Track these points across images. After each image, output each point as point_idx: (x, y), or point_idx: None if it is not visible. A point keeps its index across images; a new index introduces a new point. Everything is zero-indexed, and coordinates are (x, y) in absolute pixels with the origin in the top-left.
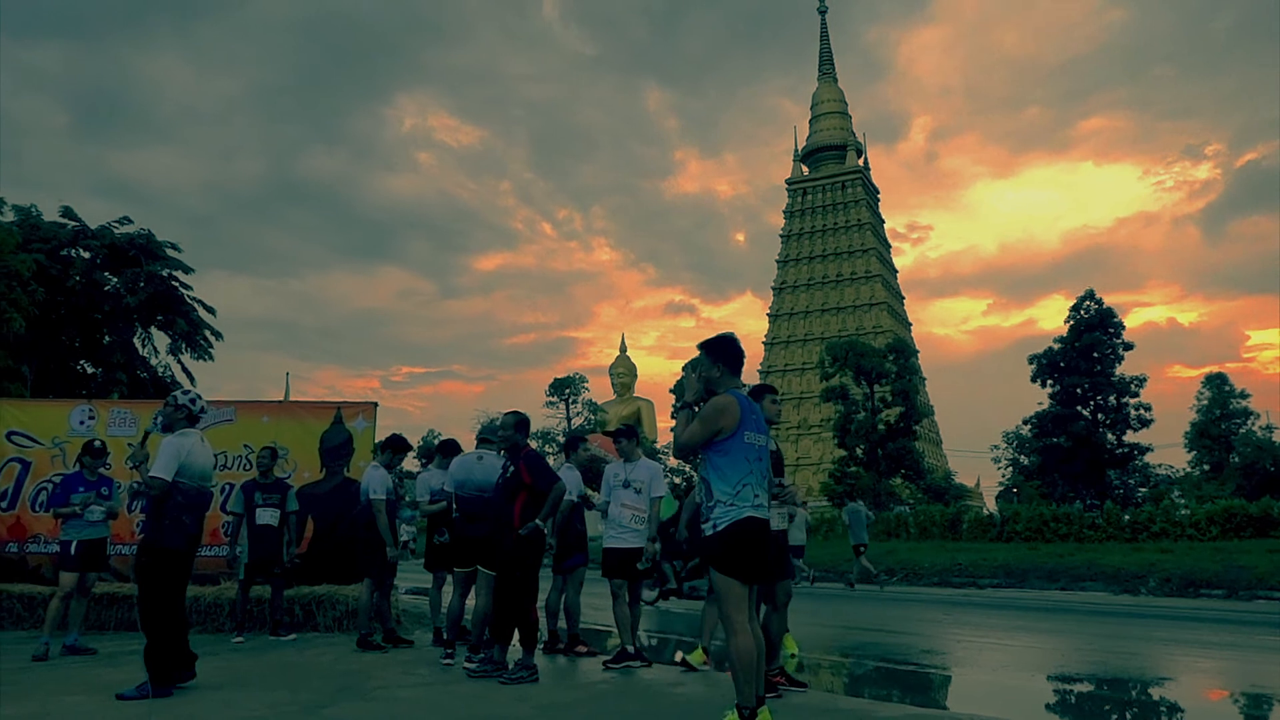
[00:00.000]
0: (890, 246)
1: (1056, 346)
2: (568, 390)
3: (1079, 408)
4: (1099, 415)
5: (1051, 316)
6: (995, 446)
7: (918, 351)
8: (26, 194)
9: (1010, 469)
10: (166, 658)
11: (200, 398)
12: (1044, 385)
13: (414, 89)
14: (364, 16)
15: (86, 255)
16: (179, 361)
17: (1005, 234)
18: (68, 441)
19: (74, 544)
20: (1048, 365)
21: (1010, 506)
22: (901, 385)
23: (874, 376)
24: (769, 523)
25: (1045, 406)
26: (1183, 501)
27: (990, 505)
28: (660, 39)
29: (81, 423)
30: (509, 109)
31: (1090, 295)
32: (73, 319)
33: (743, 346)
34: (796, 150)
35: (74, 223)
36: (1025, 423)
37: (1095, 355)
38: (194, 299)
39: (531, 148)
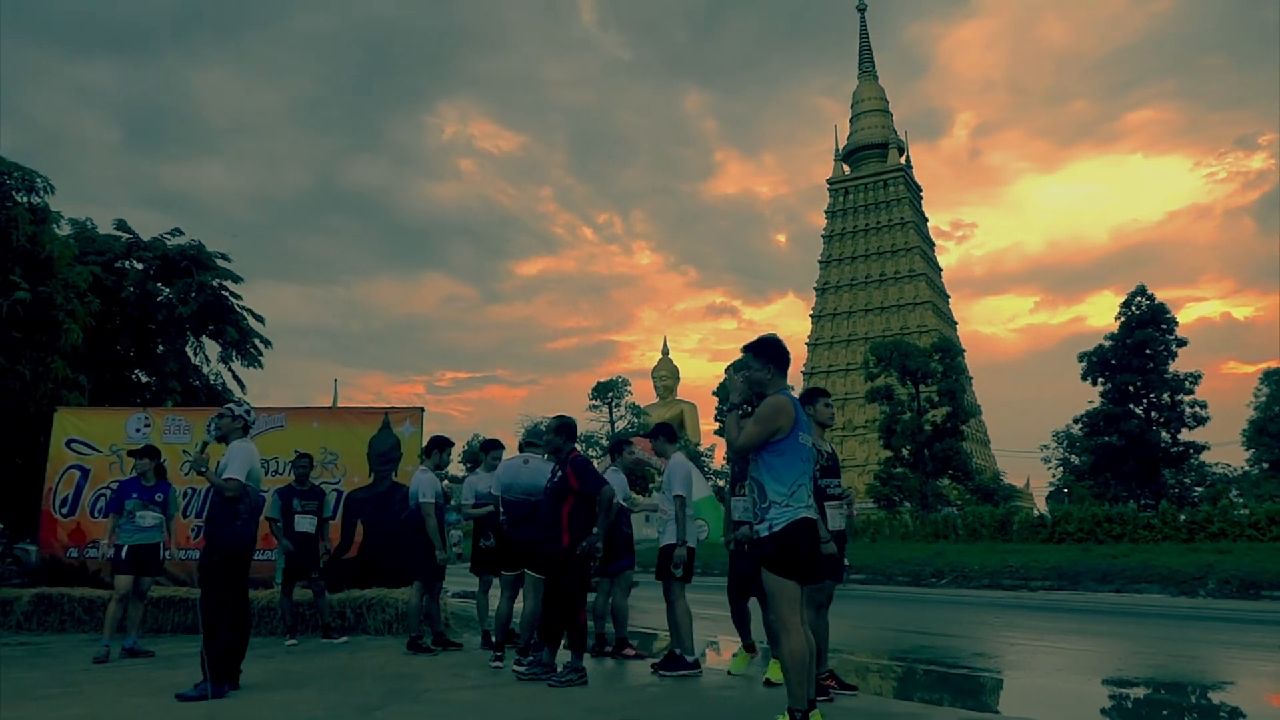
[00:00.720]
0: (934, 245)
1: (1107, 344)
2: (610, 394)
3: (1131, 406)
4: (1152, 413)
5: (1101, 313)
6: (1045, 446)
7: (964, 350)
8: (82, 208)
9: (1061, 469)
10: (229, 659)
11: (252, 409)
12: (1095, 383)
13: (454, 97)
14: (405, 27)
15: (140, 266)
16: (230, 369)
17: (1052, 230)
18: (124, 449)
19: (125, 548)
20: (1098, 363)
21: (1061, 507)
22: (948, 385)
23: (919, 376)
24: (818, 522)
25: (1096, 405)
26: (1241, 501)
27: (1040, 506)
28: (698, 41)
29: (138, 430)
30: (548, 115)
31: (1141, 291)
32: (127, 329)
33: (788, 348)
34: (837, 149)
35: (128, 235)
36: (1076, 422)
37: (1147, 352)
38: (244, 308)
39: (571, 153)
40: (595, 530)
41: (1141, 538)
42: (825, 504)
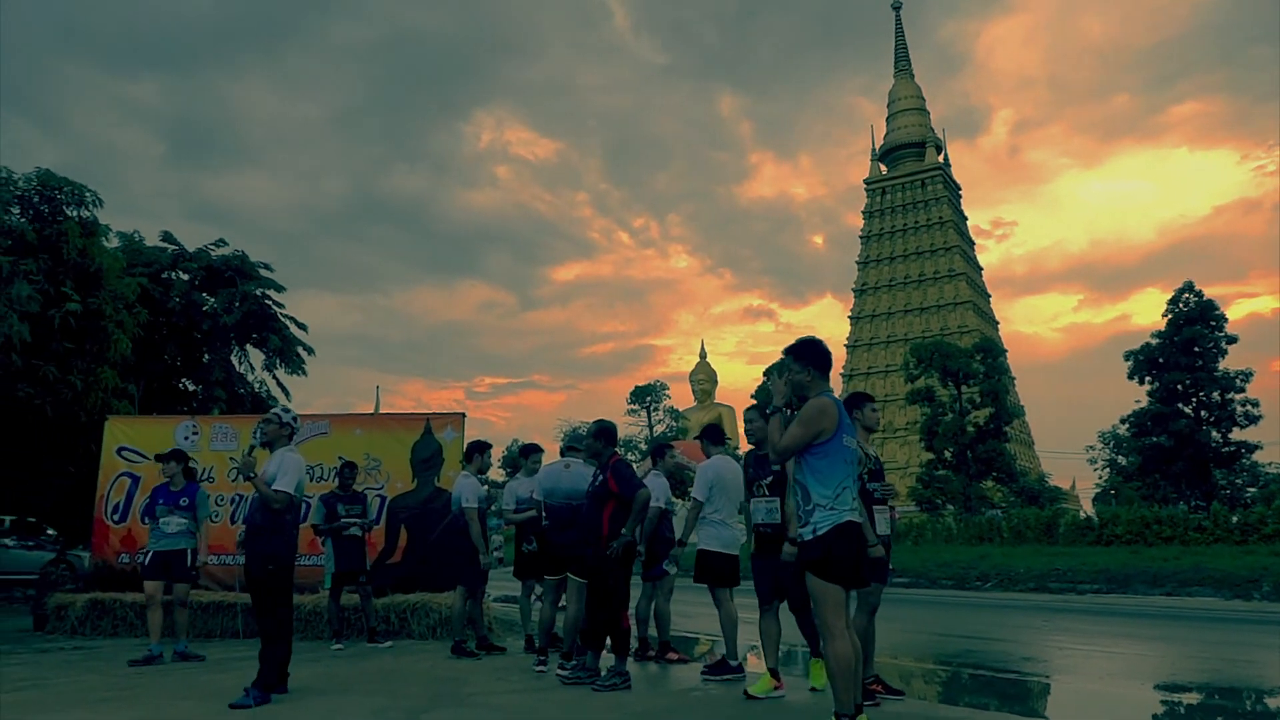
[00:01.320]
0: (974, 244)
1: (1154, 342)
2: (649, 398)
3: (1180, 405)
4: (1202, 412)
5: (1147, 311)
6: (1090, 447)
7: (1006, 351)
8: (130, 220)
9: (1107, 470)
10: (284, 664)
11: (297, 415)
12: (1142, 382)
13: (490, 105)
14: (440, 36)
15: (185, 277)
16: (274, 377)
17: (1095, 227)
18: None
19: (150, 554)
20: (1145, 361)
21: (1109, 509)
22: (990, 385)
23: (961, 377)
24: (864, 525)
25: (1144, 404)
26: None
27: (1087, 508)
28: (732, 44)
29: (186, 438)
30: (583, 120)
31: (1189, 287)
32: (174, 338)
33: (829, 350)
34: (874, 149)
35: (173, 246)
36: (1123, 422)
37: (1196, 350)
38: (286, 316)
39: (606, 158)
40: (623, 532)
41: (1193, 540)
42: (873, 508)
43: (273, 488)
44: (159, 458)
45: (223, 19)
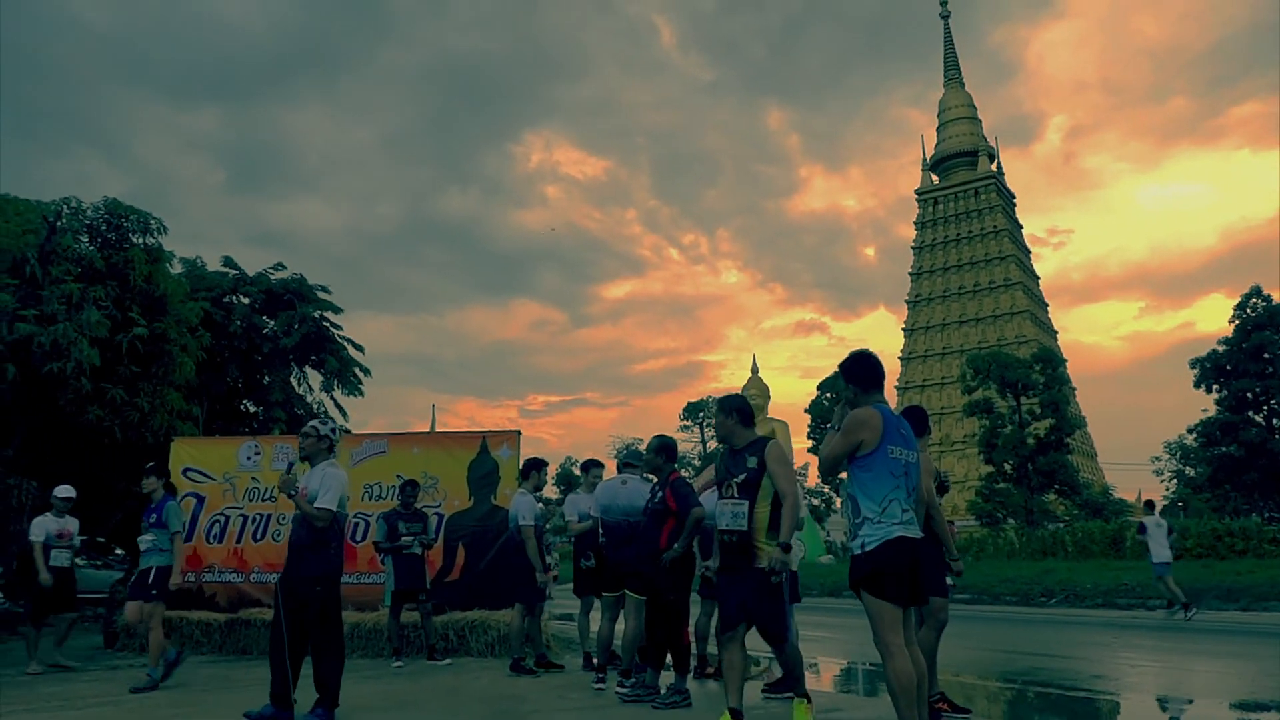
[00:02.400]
0: (1030, 252)
1: (1221, 349)
2: (701, 414)
3: (1250, 413)
4: (1274, 420)
5: (1212, 317)
6: (1156, 458)
7: (1065, 360)
8: (192, 247)
9: (1175, 481)
10: (330, 682)
11: (337, 427)
12: (1209, 391)
13: (539, 125)
14: (489, 58)
15: (246, 301)
16: (332, 398)
17: (1154, 233)
18: (237, 476)
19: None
20: (1212, 369)
21: (1178, 521)
22: (1050, 396)
23: (1020, 388)
24: (920, 541)
25: (1212, 413)
26: None
27: None
28: (779, 58)
29: (249, 458)
30: (632, 138)
31: (1256, 292)
32: (235, 360)
33: (879, 361)
34: (925, 159)
35: (234, 271)
36: (1190, 431)
37: (1266, 356)
38: (343, 338)
39: (655, 175)
40: (676, 546)
41: (1268, 553)
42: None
43: (315, 505)
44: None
45: (278, 49)
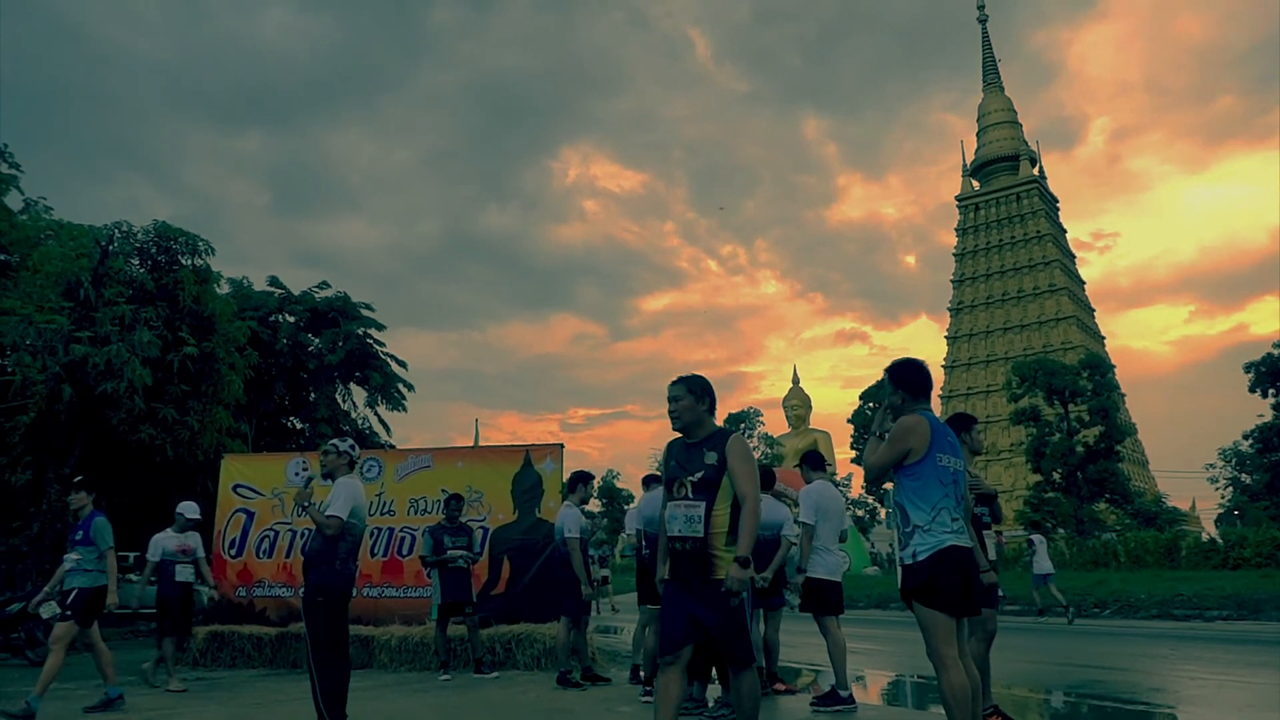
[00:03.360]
0: (1074, 257)
1: (1276, 351)
2: (742, 425)
3: None
4: None
5: (1266, 320)
6: (1210, 465)
7: (1114, 366)
8: (239, 267)
9: (1230, 489)
10: (341, 699)
11: (356, 445)
12: (1265, 395)
13: (576, 140)
14: (526, 76)
15: (291, 319)
16: (376, 413)
17: (1203, 234)
18: (285, 492)
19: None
20: (1268, 373)
21: (1235, 530)
22: (1099, 403)
23: (1067, 395)
24: (972, 550)
25: (1268, 419)
26: None
27: (1209, 529)
28: (815, 67)
29: (297, 474)
30: (668, 151)
31: None
32: (282, 378)
33: (928, 368)
34: (965, 165)
35: (280, 290)
36: (1245, 437)
37: None
38: (387, 354)
39: (692, 187)
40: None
41: None
42: (982, 533)
43: (325, 514)
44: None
45: (319, 73)
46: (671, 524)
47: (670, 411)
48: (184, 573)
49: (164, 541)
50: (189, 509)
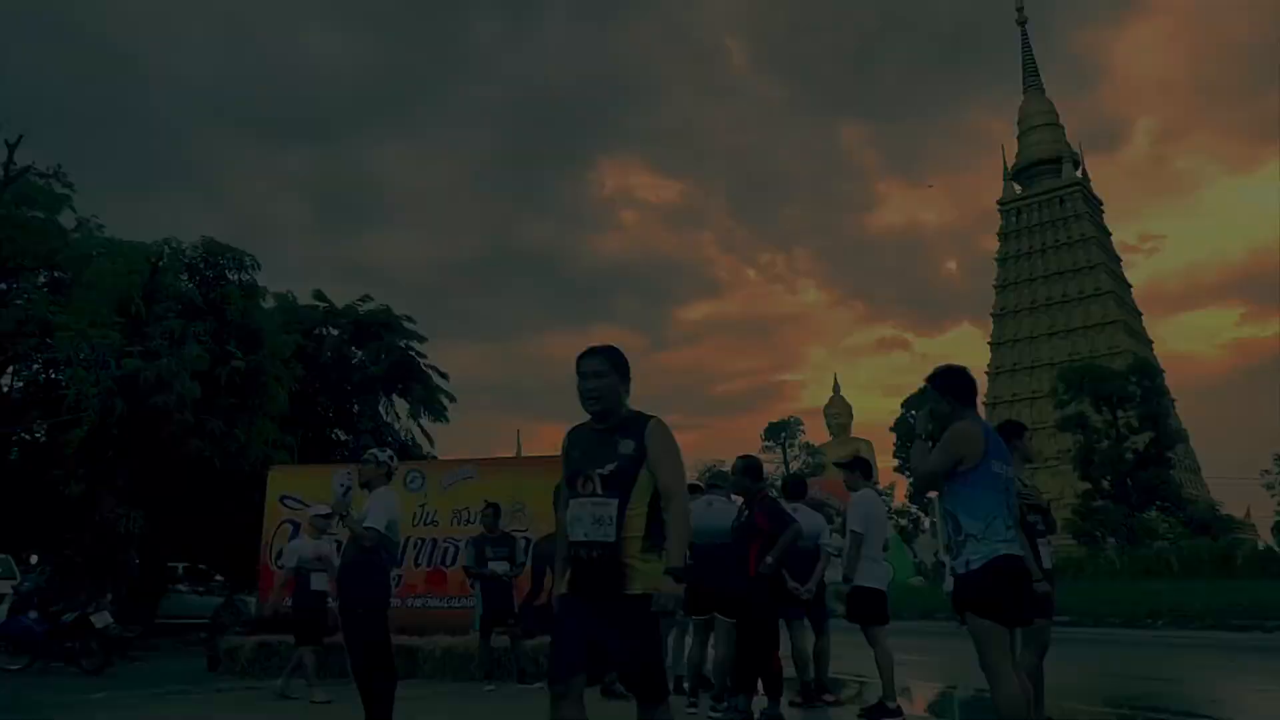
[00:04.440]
0: (1120, 260)
1: None
2: (783, 434)
3: None
4: None
5: None
6: (1265, 472)
7: (1163, 371)
8: (284, 283)
9: None
10: (387, 709)
11: (395, 455)
12: None
13: (614, 152)
14: (563, 88)
15: (335, 333)
16: (419, 425)
17: (1254, 235)
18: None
19: None
20: None
21: None
22: (1149, 409)
23: (1115, 401)
24: (1024, 559)
25: None
26: None
27: (1266, 538)
28: (853, 74)
29: (342, 485)
30: (706, 161)
31: None
32: (326, 391)
33: (972, 375)
34: (1006, 169)
35: (324, 304)
36: None
37: None
38: (429, 366)
39: (730, 196)
40: (768, 560)
41: None
42: (1035, 541)
43: (363, 525)
44: None
45: (359, 89)
46: (575, 527)
47: (586, 390)
48: (319, 581)
49: (299, 549)
50: (321, 509)
